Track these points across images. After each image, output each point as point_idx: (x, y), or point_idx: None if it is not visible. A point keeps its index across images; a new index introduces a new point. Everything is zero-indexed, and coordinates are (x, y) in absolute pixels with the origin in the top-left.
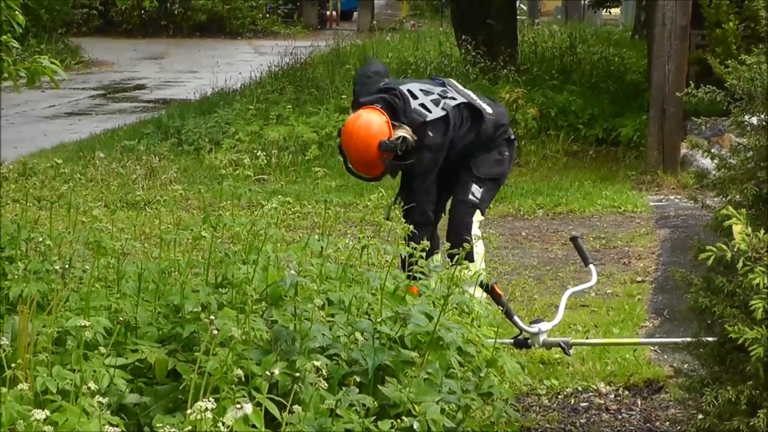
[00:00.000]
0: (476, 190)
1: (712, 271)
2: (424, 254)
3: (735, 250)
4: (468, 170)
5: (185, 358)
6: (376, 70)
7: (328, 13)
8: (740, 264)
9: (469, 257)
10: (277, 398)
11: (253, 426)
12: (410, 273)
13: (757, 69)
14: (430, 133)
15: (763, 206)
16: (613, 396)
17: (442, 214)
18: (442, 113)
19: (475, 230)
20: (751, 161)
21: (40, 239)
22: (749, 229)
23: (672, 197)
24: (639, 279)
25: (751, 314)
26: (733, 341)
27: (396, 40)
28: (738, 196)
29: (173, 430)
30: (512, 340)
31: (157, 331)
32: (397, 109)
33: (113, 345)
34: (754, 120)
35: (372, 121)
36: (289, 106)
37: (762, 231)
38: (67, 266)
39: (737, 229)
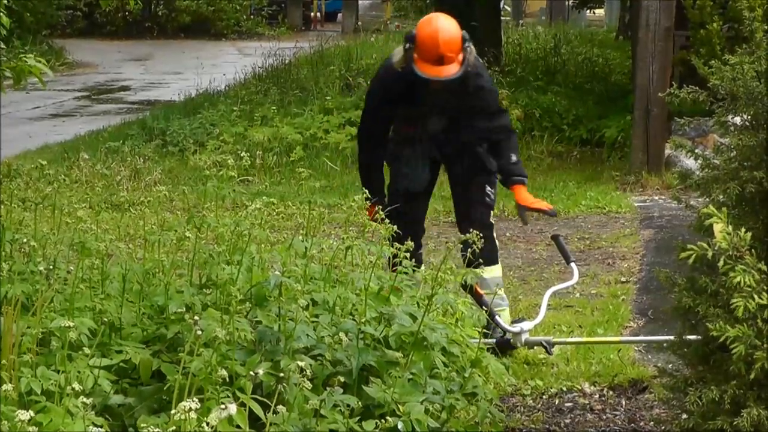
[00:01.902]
0: (491, 192)
1: (695, 271)
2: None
3: (716, 249)
4: (480, 167)
5: (170, 358)
6: None
7: (312, 14)
8: (721, 263)
9: (495, 259)
10: (261, 399)
11: (238, 426)
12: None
13: (739, 69)
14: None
15: (746, 206)
16: (597, 396)
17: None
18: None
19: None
20: (735, 161)
21: (25, 240)
22: (730, 227)
23: (656, 198)
24: (623, 279)
25: (733, 313)
26: (717, 341)
27: (380, 41)
28: (721, 196)
29: (157, 430)
30: (495, 340)
31: (142, 331)
32: None
33: (98, 346)
34: (738, 120)
35: (449, 18)
36: (274, 108)
37: (743, 229)
38: (51, 267)
39: (718, 227)
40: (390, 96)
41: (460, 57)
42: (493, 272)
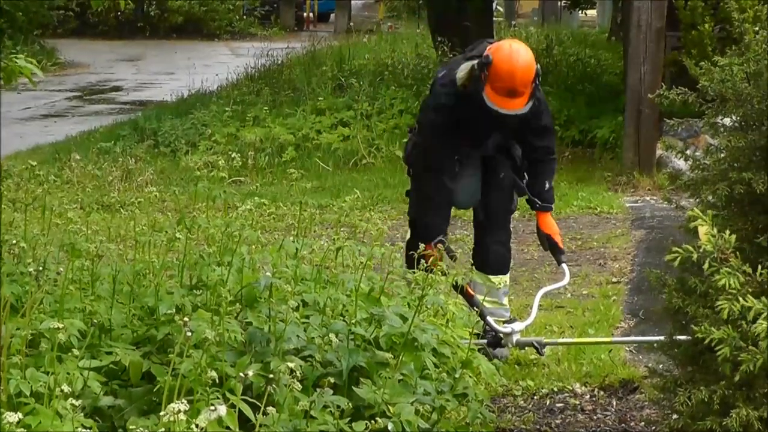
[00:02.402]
0: (516, 200)
1: (686, 271)
2: None
3: (701, 251)
4: (513, 178)
5: (159, 360)
6: None
7: (305, 14)
8: (706, 265)
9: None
10: (251, 400)
11: (227, 428)
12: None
13: (729, 71)
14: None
15: (735, 207)
16: (588, 396)
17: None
18: None
19: None
20: (724, 162)
21: (15, 241)
22: (715, 230)
23: (648, 198)
24: (614, 280)
25: (720, 314)
26: (705, 341)
27: (373, 42)
28: (711, 197)
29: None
30: (486, 341)
31: (132, 333)
32: None
33: (87, 347)
34: (727, 121)
35: (525, 46)
36: (266, 108)
37: (728, 232)
38: (41, 268)
39: (703, 230)
40: (455, 118)
41: (530, 89)
42: (503, 281)
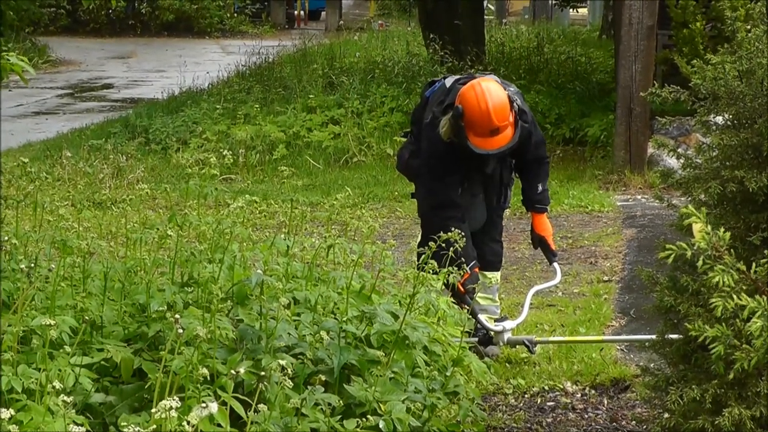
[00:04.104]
0: (508, 198)
1: (677, 270)
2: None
3: (695, 249)
4: (506, 180)
5: (151, 357)
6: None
7: (295, 12)
8: (700, 263)
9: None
10: (242, 397)
11: (219, 425)
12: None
13: (721, 69)
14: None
15: (727, 205)
16: (579, 395)
17: None
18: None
19: None
20: (716, 160)
21: (6, 238)
22: (709, 227)
23: (639, 197)
24: (606, 278)
25: (713, 312)
26: (698, 340)
27: (364, 39)
28: (703, 195)
29: (138, 429)
30: (477, 339)
31: (123, 330)
32: None
33: (79, 344)
34: (719, 119)
35: (492, 81)
36: (257, 106)
37: (722, 229)
38: (32, 265)
39: (697, 227)
40: (451, 163)
41: (512, 118)
42: (496, 278)
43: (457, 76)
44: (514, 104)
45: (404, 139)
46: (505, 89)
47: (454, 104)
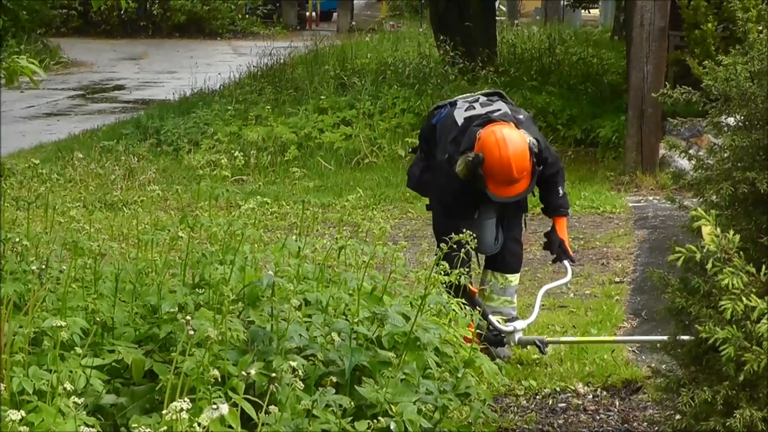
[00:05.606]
0: (525, 206)
1: (689, 271)
2: None
3: (704, 251)
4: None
5: (162, 358)
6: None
7: (307, 13)
8: (710, 265)
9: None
10: (253, 399)
11: (230, 426)
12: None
13: (732, 70)
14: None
15: (739, 206)
16: (591, 396)
17: None
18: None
19: None
20: (728, 162)
21: (17, 239)
22: (718, 230)
23: (650, 198)
24: (617, 280)
25: (723, 314)
26: (709, 341)
27: (375, 40)
28: (714, 197)
29: (149, 430)
30: (487, 339)
31: (134, 331)
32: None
33: (90, 345)
34: (731, 120)
35: (511, 128)
36: (268, 107)
37: (731, 232)
38: (44, 266)
39: (706, 230)
40: (463, 196)
41: (530, 167)
42: (516, 279)
43: (466, 105)
44: (533, 153)
45: (413, 155)
46: (518, 127)
47: (472, 148)
